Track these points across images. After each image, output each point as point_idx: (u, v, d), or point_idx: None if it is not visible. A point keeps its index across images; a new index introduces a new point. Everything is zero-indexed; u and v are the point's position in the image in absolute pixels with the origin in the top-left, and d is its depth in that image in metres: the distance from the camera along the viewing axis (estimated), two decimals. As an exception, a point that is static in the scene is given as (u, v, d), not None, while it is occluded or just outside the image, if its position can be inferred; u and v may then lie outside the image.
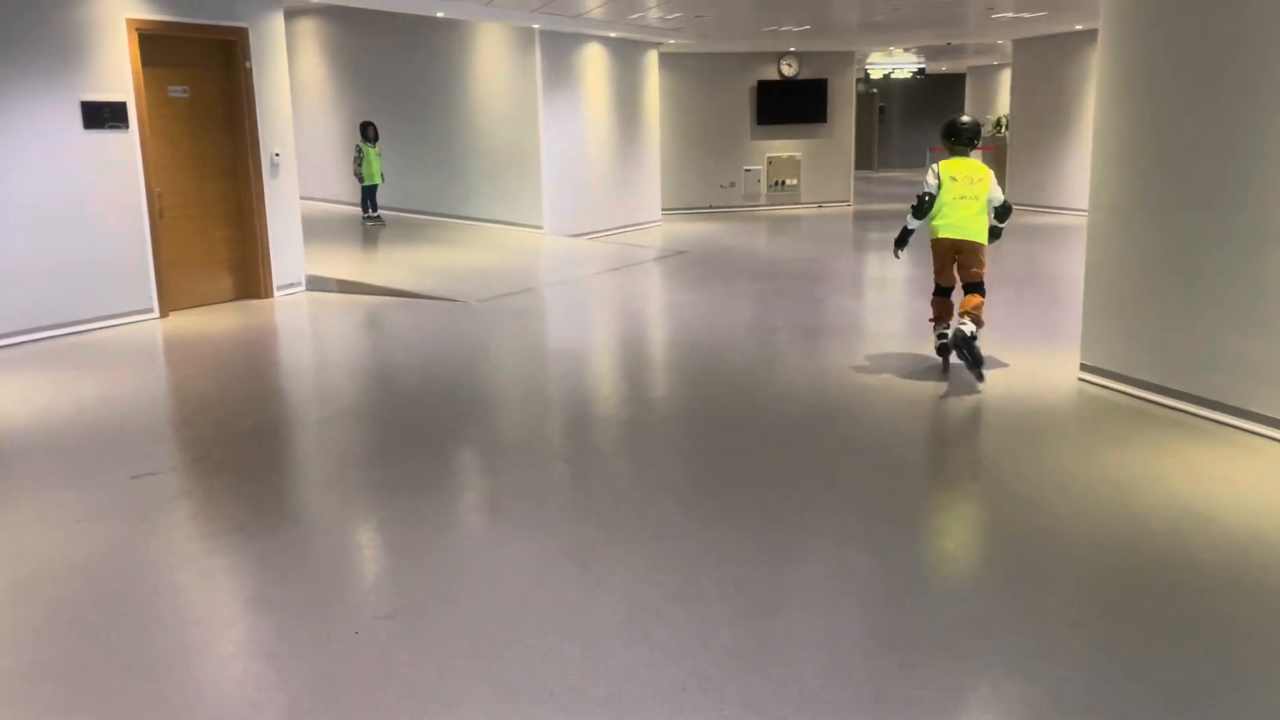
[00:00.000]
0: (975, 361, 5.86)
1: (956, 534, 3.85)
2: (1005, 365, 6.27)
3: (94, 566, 3.65)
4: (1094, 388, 5.78)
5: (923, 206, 6.17)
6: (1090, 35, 14.18)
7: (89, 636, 3.14)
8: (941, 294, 6.39)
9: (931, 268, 6.41)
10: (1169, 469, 4.54)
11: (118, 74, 7.61)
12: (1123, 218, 5.64)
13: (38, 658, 3.03)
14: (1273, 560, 3.59)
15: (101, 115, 7.51)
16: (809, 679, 2.84)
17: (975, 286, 6.17)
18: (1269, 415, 4.85)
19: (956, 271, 6.27)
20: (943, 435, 5.07)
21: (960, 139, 6.25)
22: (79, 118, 7.39)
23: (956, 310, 6.23)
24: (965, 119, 6.37)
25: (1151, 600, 3.34)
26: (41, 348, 7.12)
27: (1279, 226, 4.74)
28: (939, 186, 6.12)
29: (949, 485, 4.39)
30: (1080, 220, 13.64)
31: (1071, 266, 10.02)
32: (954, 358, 6.16)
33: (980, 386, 5.82)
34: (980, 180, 6.12)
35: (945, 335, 6.26)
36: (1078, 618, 3.25)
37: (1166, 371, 5.40)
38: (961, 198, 6.10)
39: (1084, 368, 5.94)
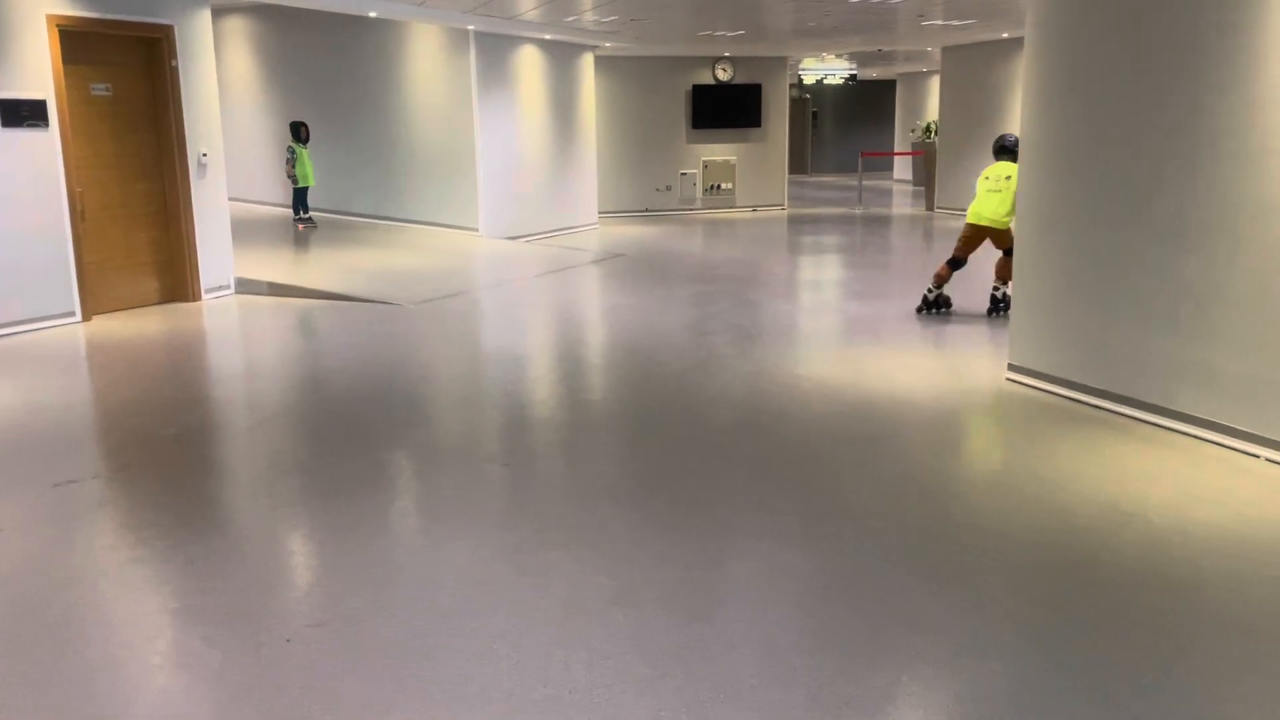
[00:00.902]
0: (1002, 306, 7.86)
1: (888, 532, 3.91)
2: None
3: (13, 577, 3.53)
4: (1021, 387, 5.91)
5: None
6: (1017, 43, 14.52)
7: (7, 649, 3.04)
8: (952, 264, 8.09)
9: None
10: (1094, 466, 4.66)
11: (37, 71, 7.39)
12: (1047, 221, 5.78)
13: (-49, 674, 2.93)
14: (1195, 554, 3.71)
15: (20, 113, 7.28)
16: (745, 680, 2.86)
17: (1009, 252, 7.41)
18: (1190, 413, 5.00)
19: (994, 244, 7.95)
20: (873, 435, 5.14)
21: (994, 150, 8.15)
22: (-4, 115, 7.16)
23: (995, 275, 8.01)
24: (1006, 136, 8.06)
25: (1078, 594, 3.43)
26: (-44, 353, 6.87)
27: (1197, 228, 4.90)
28: (977, 185, 8.07)
29: (880, 484, 4.45)
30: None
31: (999, 269, 10.24)
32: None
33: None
34: (1009, 178, 7.58)
35: (931, 292, 8.17)
36: (1007, 612, 3.32)
37: (1091, 371, 5.54)
38: (990, 192, 7.86)
39: (1011, 367, 6.07)
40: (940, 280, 8.13)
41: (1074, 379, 5.64)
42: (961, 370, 6.39)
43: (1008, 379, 6.05)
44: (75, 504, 4.24)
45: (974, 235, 7.99)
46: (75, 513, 4.16)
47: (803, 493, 4.36)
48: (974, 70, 15.78)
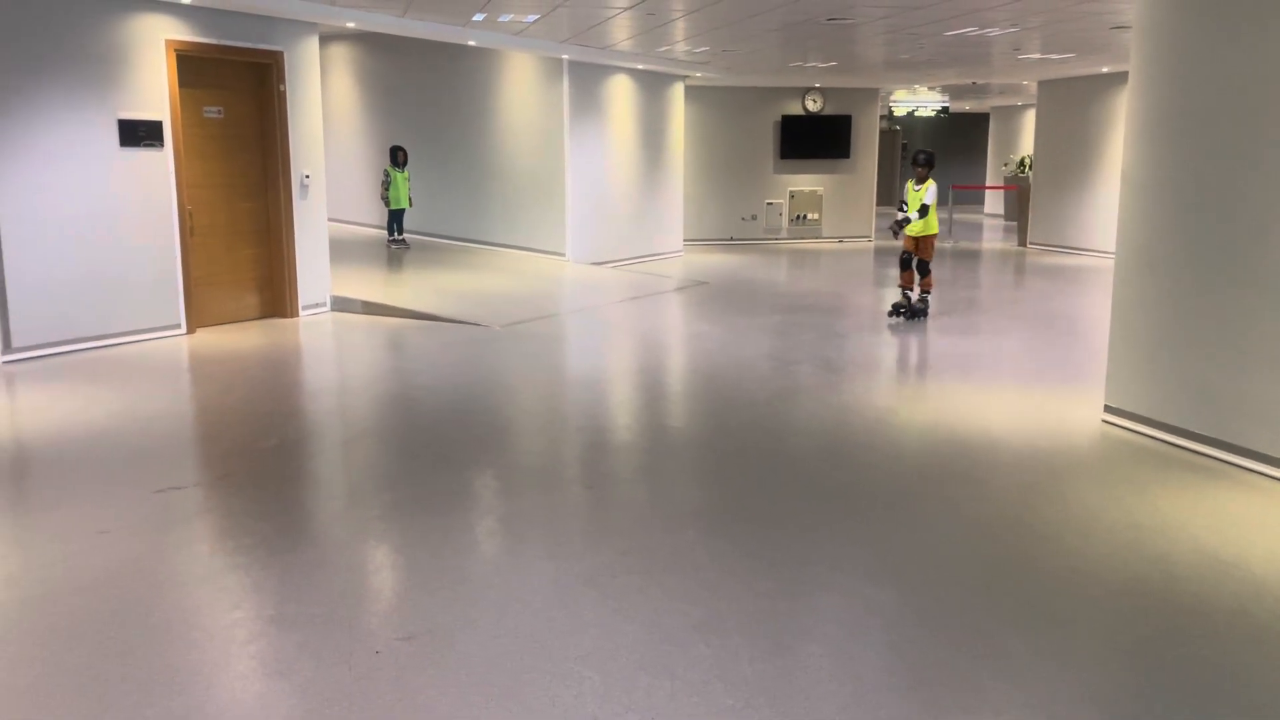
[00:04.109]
0: (902, 310, 9.43)
1: (977, 572, 3.83)
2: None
3: (117, 579, 3.68)
4: (1118, 430, 5.75)
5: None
6: (1117, 78, 14.23)
7: (110, 650, 3.16)
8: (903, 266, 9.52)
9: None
10: (1194, 513, 4.51)
11: (155, 93, 7.74)
12: (1150, 259, 5.63)
13: (60, 668, 3.05)
14: (1300, 609, 3.56)
15: (138, 133, 7.64)
16: (832, 716, 2.83)
17: (922, 265, 9.41)
18: (1296, 463, 4.81)
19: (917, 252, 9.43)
20: (962, 473, 5.05)
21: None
22: (116, 135, 7.52)
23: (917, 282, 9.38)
24: (916, 153, 9.40)
25: (1175, 645, 3.31)
26: (71, 360, 7.20)
27: (1308, 273, 4.73)
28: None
29: (969, 523, 4.37)
30: (1102, 261, 13.63)
31: (1094, 308, 10.01)
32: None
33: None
34: (918, 191, 9.23)
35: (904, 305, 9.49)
36: (1099, 660, 3.22)
37: (1192, 415, 5.37)
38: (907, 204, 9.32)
39: (1108, 409, 5.91)
40: (909, 285, 9.38)
41: (1174, 423, 5.47)
42: (1055, 410, 6.24)
43: (1104, 420, 5.90)
44: (177, 510, 4.40)
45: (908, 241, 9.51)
46: (177, 518, 4.31)
47: (889, 528, 4.30)
48: (1071, 105, 15.49)
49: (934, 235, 9.41)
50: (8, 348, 7.08)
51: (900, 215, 9.32)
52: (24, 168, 7.06)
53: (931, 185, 9.22)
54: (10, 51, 6.92)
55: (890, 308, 9.50)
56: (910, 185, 9.38)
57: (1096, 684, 3.05)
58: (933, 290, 9.61)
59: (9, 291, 7.05)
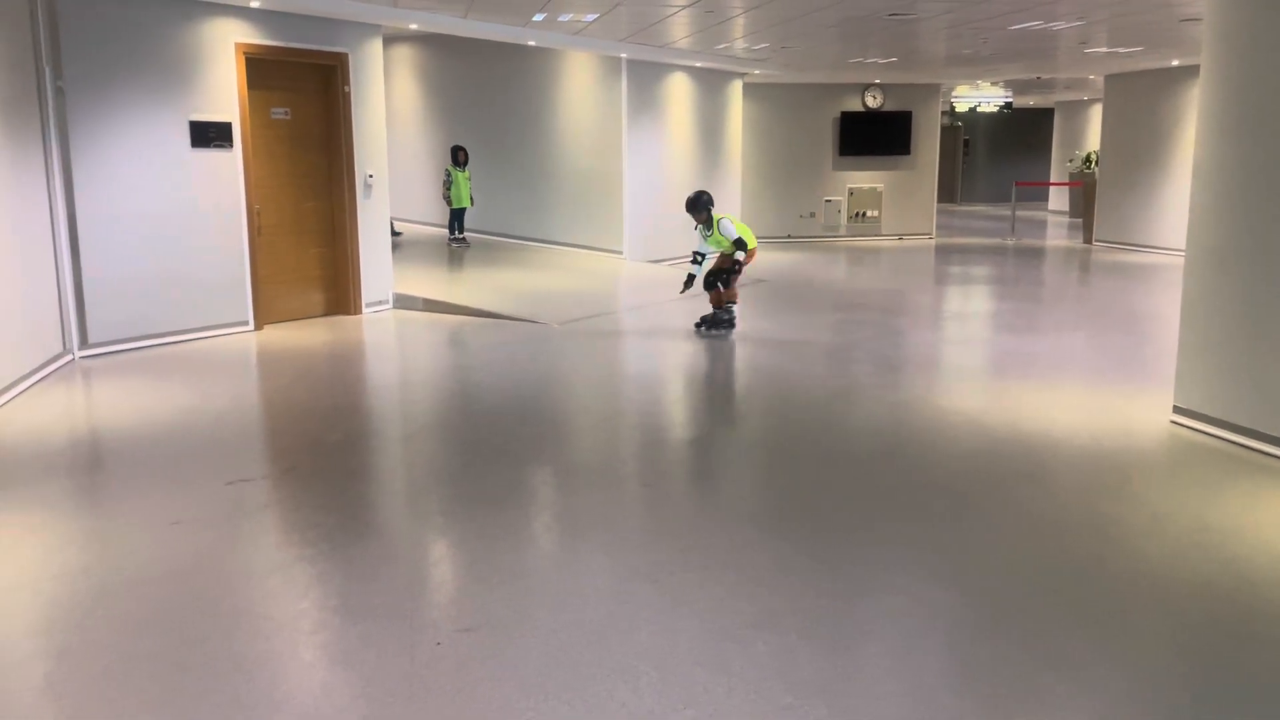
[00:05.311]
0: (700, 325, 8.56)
1: (1041, 573, 3.78)
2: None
3: (189, 569, 3.78)
4: (1187, 431, 5.63)
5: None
6: (1187, 71, 13.87)
7: (183, 637, 3.26)
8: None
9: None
10: (1266, 517, 4.39)
11: (225, 95, 7.93)
12: (1222, 257, 5.50)
13: (135, 654, 3.15)
14: (1378, 617, 3.45)
15: (208, 135, 7.83)
16: (891, 715, 2.81)
17: (725, 281, 8.52)
18: (1375, 466, 4.66)
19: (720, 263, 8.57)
20: (1025, 473, 4.98)
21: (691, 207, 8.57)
22: (187, 137, 7.71)
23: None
24: (699, 195, 8.61)
25: (1247, 652, 3.24)
26: (144, 355, 7.41)
27: (1389, 271, 4.58)
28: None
29: (1033, 523, 4.31)
30: (1171, 259, 13.31)
31: (1161, 306, 9.78)
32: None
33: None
34: (711, 236, 8.51)
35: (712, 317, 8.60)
36: (1167, 665, 3.16)
37: (1265, 417, 5.23)
38: (706, 238, 8.60)
39: (1177, 410, 5.79)
40: (719, 304, 8.53)
41: (1246, 424, 5.33)
42: (1121, 410, 6.12)
43: (1172, 421, 5.77)
44: (246, 502, 4.51)
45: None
46: (246, 510, 4.42)
47: (949, 528, 4.26)
48: (1139, 99, 15.14)
49: (751, 251, 8.47)
50: (84, 343, 7.31)
51: (692, 272, 8.53)
52: (101, 171, 7.28)
53: (723, 220, 8.42)
54: (89, 60, 7.14)
55: (699, 319, 8.60)
56: (700, 232, 8.54)
57: (1163, 689, 2.99)
58: (737, 301, 8.62)
59: (86, 289, 7.27)
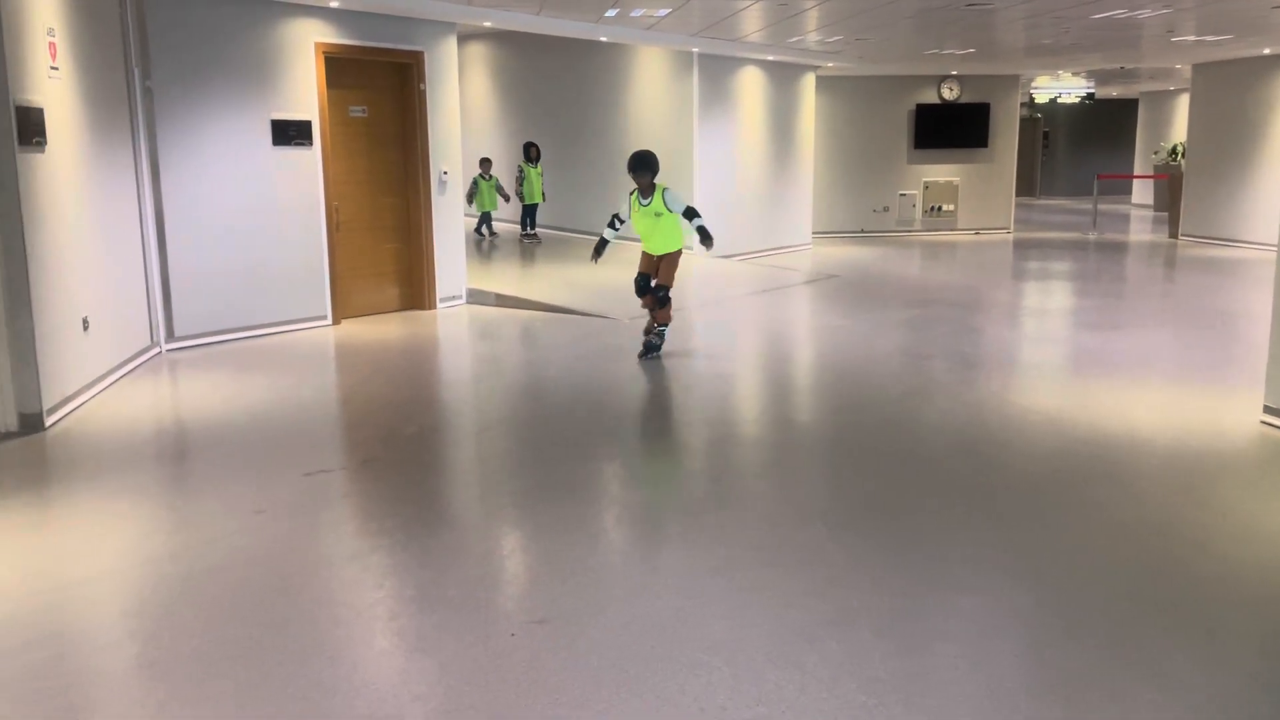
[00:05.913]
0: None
1: (1123, 577, 3.69)
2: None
3: (272, 556, 3.88)
4: (1278, 432, 5.44)
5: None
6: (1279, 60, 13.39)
7: (267, 622, 3.35)
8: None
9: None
10: (1363, 523, 4.23)
11: (305, 94, 8.11)
12: (1316, 253, 5.29)
13: (221, 638, 3.25)
14: None
15: (289, 133, 8.01)
16: (967, 716, 2.77)
17: (662, 297, 7.34)
18: None
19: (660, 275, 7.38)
20: (1107, 474, 4.86)
21: (634, 167, 7.19)
22: (269, 135, 7.90)
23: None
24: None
25: (1342, 662, 3.12)
26: (228, 349, 7.62)
27: None
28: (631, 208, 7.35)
29: (1115, 526, 4.20)
30: (1262, 254, 12.86)
31: (1251, 303, 9.46)
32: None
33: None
34: (647, 205, 7.26)
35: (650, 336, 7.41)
36: (1255, 674, 3.06)
37: (1362, 418, 5.03)
38: (654, 215, 7.26)
39: (1268, 410, 5.59)
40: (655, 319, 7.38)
41: (1342, 426, 5.13)
42: (1208, 409, 5.94)
43: (1263, 422, 5.58)
44: (325, 492, 4.62)
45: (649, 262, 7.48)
46: (324, 501, 4.52)
47: (1028, 529, 4.18)
48: (1229, 89, 14.64)
49: (678, 252, 7.38)
50: (171, 336, 7.55)
51: (606, 236, 7.58)
52: (186, 169, 7.51)
53: (667, 190, 7.22)
54: (175, 61, 7.35)
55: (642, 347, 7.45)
56: (635, 200, 7.32)
57: (1249, 697, 2.90)
58: (670, 324, 7.51)
59: (173, 284, 7.51)
